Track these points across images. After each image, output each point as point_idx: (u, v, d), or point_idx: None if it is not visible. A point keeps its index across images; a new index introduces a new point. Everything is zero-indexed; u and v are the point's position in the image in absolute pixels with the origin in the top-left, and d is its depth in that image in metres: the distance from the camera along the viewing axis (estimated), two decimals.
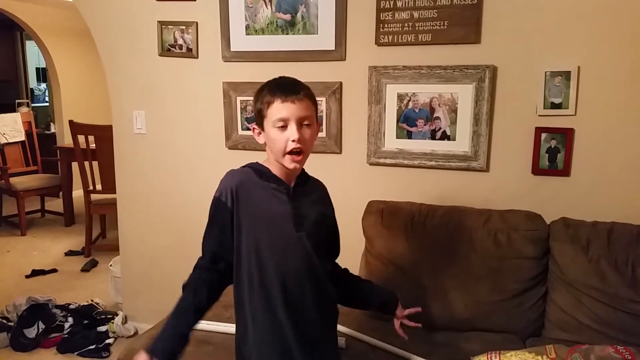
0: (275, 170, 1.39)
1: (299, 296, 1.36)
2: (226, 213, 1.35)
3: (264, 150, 2.52)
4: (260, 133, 1.40)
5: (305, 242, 1.37)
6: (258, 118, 1.38)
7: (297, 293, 1.36)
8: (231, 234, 1.36)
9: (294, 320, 1.34)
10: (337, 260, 1.59)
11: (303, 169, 1.47)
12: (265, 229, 1.36)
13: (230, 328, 1.84)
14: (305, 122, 1.33)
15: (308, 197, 1.43)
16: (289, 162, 1.33)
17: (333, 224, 1.53)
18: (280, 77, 1.40)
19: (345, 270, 1.62)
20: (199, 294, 1.34)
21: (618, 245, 1.81)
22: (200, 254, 1.41)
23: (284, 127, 1.31)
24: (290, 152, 1.32)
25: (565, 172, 2.04)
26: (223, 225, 1.36)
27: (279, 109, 1.31)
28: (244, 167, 1.44)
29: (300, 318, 1.35)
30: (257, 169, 1.41)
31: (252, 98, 2.40)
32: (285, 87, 1.34)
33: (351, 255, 2.29)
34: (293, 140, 1.30)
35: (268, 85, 1.37)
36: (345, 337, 1.79)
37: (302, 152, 1.33)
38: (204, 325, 1.87)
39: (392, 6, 2.15)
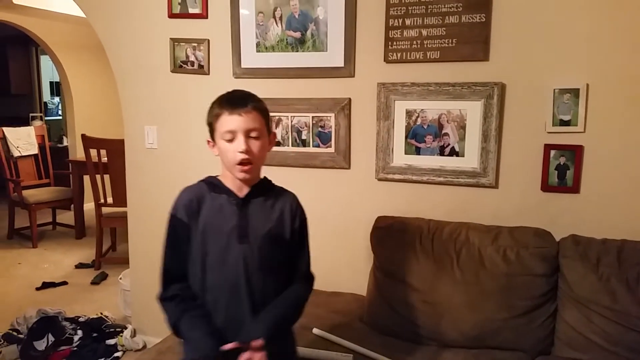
0: (228, 182, 1.42)
1: (235, 307, 1.37)
2: (183, 229, 1.39)
3: (272, 165, 2.54)
4: (214, 146, 1.42)
5: (248, 255, 1.37)
6: (210, 131, 1.41)
7: (233, 304, 1.37)
8: (187, 248, 1.40)
9: (227, 332, 1.35)
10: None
11: (268, 180, 1.49)
12: (212, 240, 1.38)
13: None
14: (253, 134, 1.35)
15: (263, 208, 1.43)
16: (238, 172, 1.36)
17: (291, 239, 1.46)
18: (232, 91, 1.43)
19: (292, 289, 1.47)
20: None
21: (628, 263, 1.80)
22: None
23: (232, 140, 1.34)
24: (240, 163, 1.34)
25: (575, 189, 2.03)
26: (180, 241, 1.40)
27: (226, 122, 1.34)
28: (200, 181, 1.47)
29: (234, 330, 1.35)
30: (209, 182, 1.44)
31: None
32: (233, 100, 1.37)
33: (359, 270, 2.30)
34: (240, 152, 1.33)
35: (218, 99, 1.40)
36: (353, 353, 1.79)
37: (251, 163, 1.35)
38: None
39: (400, 24, 2.17)
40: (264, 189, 1.46)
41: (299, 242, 1.49)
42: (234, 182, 1.41)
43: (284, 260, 1.46)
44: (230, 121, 1.34)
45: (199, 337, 1.33)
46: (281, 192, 1.50)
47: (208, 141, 1.44)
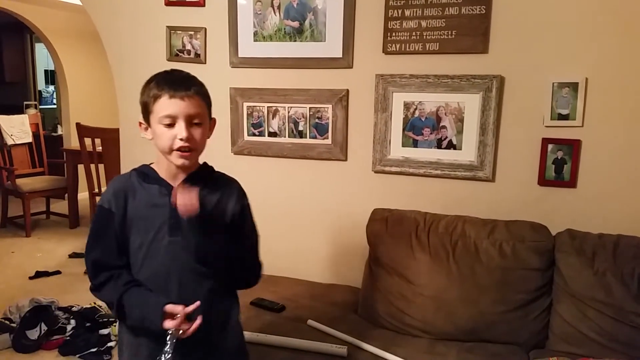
0: (162, 170, 1.32)
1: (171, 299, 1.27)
2: (110, 219, 1.29)
3: (270, 156, 2.52)
4: (147, 128, 1.31)
5: (178, 248, 1.28)
6: (144, 112, 1.30)
7: (170, 296, 1.28)
8: (116, 239, 1.30)
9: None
10: None
11: (208, 167, 1.40)
12: (142, 233, 1.29)
13: None
14: (195, 121, 1.26)
15: (199, 198, 1.29)
16: (176, 158, 1.26)
17: (240, 228, 1.37)
18: (171, 70, 1.32)
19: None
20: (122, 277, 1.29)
21: (624, 257, 1.80)
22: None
23: (171, 125, 1.24)
24: (179, 150, 1.25)
25: (572, 183, 2.03)
26: (108, 233, 1.30)
27: (166, 105, 1.23)
28: (131, 170, 1.37)
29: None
30: (141, 172, 1.34)
31: (259, 104, 2.43)
32: (175, 82, 1.26)
33: (355, 262, 2.30)
34: (181, 139, 1.23)
35: (156, 78, 1.28)
36: (347, 345, 1.78)
37: (191, 150, 1.26)
38: None
39: (400, 15, 2.15)
40: (201, 177, 1.34)
41: (239, 229, 1.38)
42: (169, 170, 1.31)
43: (222, 252, 1.34)
44: (171, 105, 1.23)
45: (154, 299, 1.24)
46: (222, 179, 1.40)
47: (140, 123, 1.32)
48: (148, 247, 1.29)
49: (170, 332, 1.20)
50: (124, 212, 1.30)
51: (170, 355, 1.19)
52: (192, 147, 1.26)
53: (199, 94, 1.27)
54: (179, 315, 1.20)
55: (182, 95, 1.24)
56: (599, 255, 1.82)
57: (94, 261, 1.32)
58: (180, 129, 1.23)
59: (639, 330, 1.72)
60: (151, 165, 1.36)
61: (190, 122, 1.25)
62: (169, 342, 1.19)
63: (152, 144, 1.32)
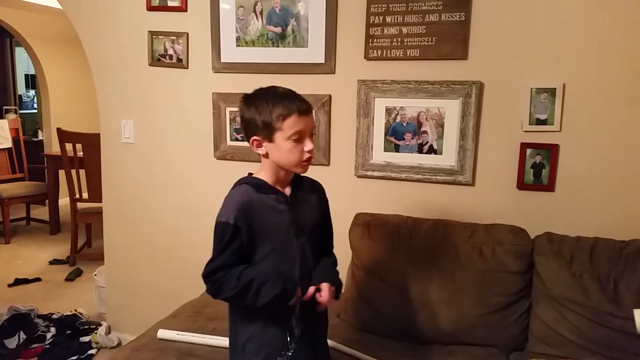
0: (270, 180, 1.43)
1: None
2: (236, 234, 1.36)
3: (252, 161, 2.52)
4: (260, 144, 1.39)
5: (305, 247, 1.44)
6: (265, 130, 1.36)
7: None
8: (242, 251, 1.38)
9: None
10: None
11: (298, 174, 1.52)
12: (271, 240, 1.40)
13: (215, 340, 1.83)
14: (313, 132, 1.42)
15: (306, 202, 1.49)
16: (300, 168, 1.41)
17: (328, 221, 1.59)
18: (277, 88, 1.40)
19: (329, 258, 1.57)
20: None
21: (601, 260, 1.83)
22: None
23: (299, 140, 1.36)
24: (305, 160, 1.39)
25: (550, 187, 2.07)
26: (234, 247, 1.37)
27: (296, 123, 1.34)
28: (240, 184, 1.44)
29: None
30: (254, 184, 1.42)
31: None
32: (296, 99, 1.37)
33: (338, 266, 2.30)
34: (309, 151, 1.38)
35: (273, 98, 1.36)
36: (332, 350, 1.78)
37: (311, 158, 1.42)
38: (188, 337, 1.86)
39: (381, 21, 2.18)
40: (298, 182, 1.50)
41: (328, 223, 1.59)
42: (279, 179, 1.44)
43: (324, 243, 1.56)
44: (300, 122, 1.35)
45: (277, 270, 1.37)
46: (310, 182, 1.55)
47: (254, 140, 1.39)
48: (281, 250, 1.41)
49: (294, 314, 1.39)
50: (250, 224, 1.37)
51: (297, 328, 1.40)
52: (312, 156, 1.40)
53: (312, 108, 1.42)
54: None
55: (307, 112, 1.37)
56: (576, 258, 1.86)
57: (218, 276, 1.37)
58: (308, 143, 1.38)
59: (615, 331, 1.75)
60: (256, 176, 1.45)
61: (311, 134, 1.39)
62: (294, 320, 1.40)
63: (261, 157, 1.43)
